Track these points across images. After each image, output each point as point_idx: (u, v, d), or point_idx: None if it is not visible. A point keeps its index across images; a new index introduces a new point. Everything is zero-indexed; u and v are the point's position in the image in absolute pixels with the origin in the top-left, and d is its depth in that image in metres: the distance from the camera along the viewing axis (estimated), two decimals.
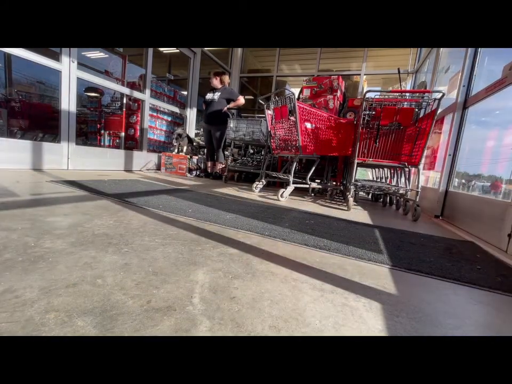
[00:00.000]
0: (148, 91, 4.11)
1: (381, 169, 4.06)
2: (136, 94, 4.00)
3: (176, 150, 4.36)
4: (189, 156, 4.16)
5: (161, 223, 1.24)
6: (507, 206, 1.53)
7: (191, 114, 5.17)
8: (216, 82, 3.77)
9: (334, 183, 3.76)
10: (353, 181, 2.41)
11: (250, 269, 0.83)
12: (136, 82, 4.28)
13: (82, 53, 4.75)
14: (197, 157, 4.33)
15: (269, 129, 3.04)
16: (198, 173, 4.29)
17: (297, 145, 2.57)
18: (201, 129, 4.67)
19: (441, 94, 2.04)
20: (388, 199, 3.25)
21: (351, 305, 0.68)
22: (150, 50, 4.04)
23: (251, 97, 7.08)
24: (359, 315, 0.63)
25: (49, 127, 4.00)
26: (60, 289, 0.60)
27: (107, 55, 4.81)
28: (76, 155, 3.13)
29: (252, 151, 4.53)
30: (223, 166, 4.00)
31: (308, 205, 2.40)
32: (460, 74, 2.43)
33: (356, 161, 2.41)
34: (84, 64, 4.03)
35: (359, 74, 5.24)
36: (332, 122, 2.84)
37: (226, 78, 3.86)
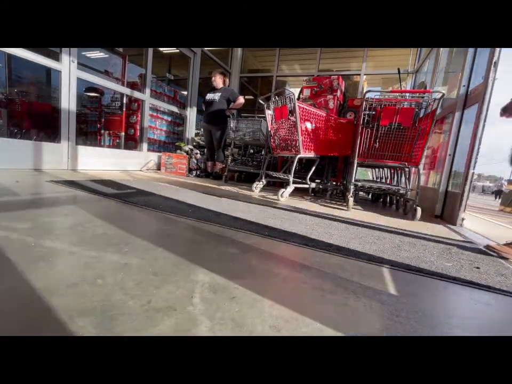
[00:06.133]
0: (147, 91, 4.11)
1: (381, 169, 4.06)
2: (137, 94, 4.00)
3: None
4: (188, 156, 4.16)
5: (161, 223, 1.24)
6: None
7: (191, 114, 5.17)
8: (219, 81, 3.77)
9: (334, 183, 3.76)
10: (353, 181, 2.41)
11: (250, 269, 0.83)
12: (136, 82, 4.28)
13: (82, 53, 4.73)
14: (197, 157, 4.32)
15: (269, 129, 3.04)
16: (198, 172, 4.29)
17: (297, 145, 2.57)
18: (202, 129, 4.67)
19: (441, 94, 2.04)
20: (388, 199, 3.25)
21: (351, 305, 0.68)
22: (150, 50, 4.04)
23: (251, 97, 7.08)
24: (359, 315, 0.63)
25: (49, 127, 3.99)
26: (60, 289, 0.60)
27: (107, 55, 4.80)
28: (76, 155, 3.13)
29: (252, 151, 4.52)
30: (223, 166, 4.00)
31: (308, 205, 2.40)
32: (460, 74, 2.43)
33: (356, 161, 2.41)
34: (84, 64, 4.03)
35: (359, 74, 5.23)
36: (332, 122, 2.84)
37: (227, 80, 3.88)
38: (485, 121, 1.97)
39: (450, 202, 2.34)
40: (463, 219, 2.13)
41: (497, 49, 1.97)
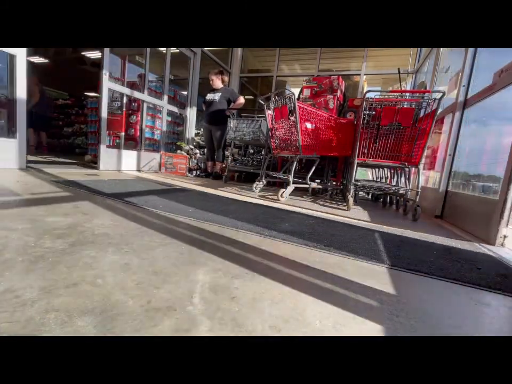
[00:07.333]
0: (146, 91, 4.11)
1: (381, 169, 4.06)
2: (136, 94, 3.99)
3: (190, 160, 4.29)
4: (189, 156, 4.16)
5: (162, 223, 1.24)
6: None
7: (191, 114, 5.17)
8: (217, 82, 3.77)
9: (334, 183, 3.76)
10: (353, 181, 2.41)
11: (250, 269, 0.83)
12: (136, 82, 4.27)
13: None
14: (197, 157, 4.32)
15: (269, 129, 3.04)
16: (198, 172, 4.29)
17: (297, 145, 2.57)
18: (202, 129, 4.67)
19: (441, 94, 2.04)
20: (388, 199, 3.25)
21: (351, 305, 0.68)
22: (148, 50, 4.03)
23: (251, 97, 7.08)
24: (359, 315, 0.63)
25: None
26: (60, 289, 0.60)
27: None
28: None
29: (252, 151, 4.52)
30: (223, 166, 4.00)
31: (307, 205, 2.40)
32: (460, 74, 2.43)
33: (356, 161, 2.41)
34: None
35: (359, 74, 5.24)
36: (332, 122, 2.83)
37: (226, 78, 3.87)
38: None
39: (482, 212, 1.74)
40: (505, 237, 1.54)
41: None
